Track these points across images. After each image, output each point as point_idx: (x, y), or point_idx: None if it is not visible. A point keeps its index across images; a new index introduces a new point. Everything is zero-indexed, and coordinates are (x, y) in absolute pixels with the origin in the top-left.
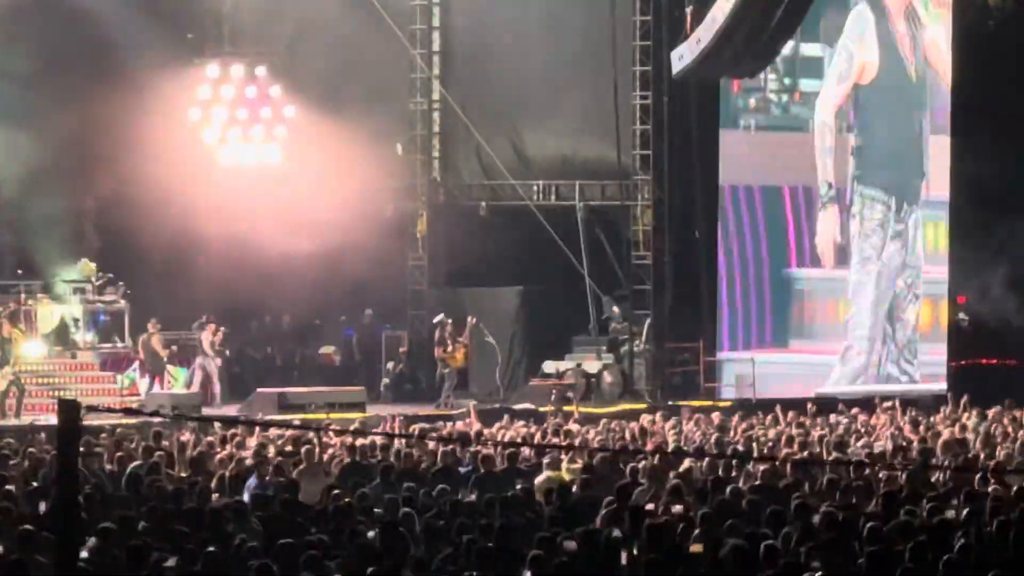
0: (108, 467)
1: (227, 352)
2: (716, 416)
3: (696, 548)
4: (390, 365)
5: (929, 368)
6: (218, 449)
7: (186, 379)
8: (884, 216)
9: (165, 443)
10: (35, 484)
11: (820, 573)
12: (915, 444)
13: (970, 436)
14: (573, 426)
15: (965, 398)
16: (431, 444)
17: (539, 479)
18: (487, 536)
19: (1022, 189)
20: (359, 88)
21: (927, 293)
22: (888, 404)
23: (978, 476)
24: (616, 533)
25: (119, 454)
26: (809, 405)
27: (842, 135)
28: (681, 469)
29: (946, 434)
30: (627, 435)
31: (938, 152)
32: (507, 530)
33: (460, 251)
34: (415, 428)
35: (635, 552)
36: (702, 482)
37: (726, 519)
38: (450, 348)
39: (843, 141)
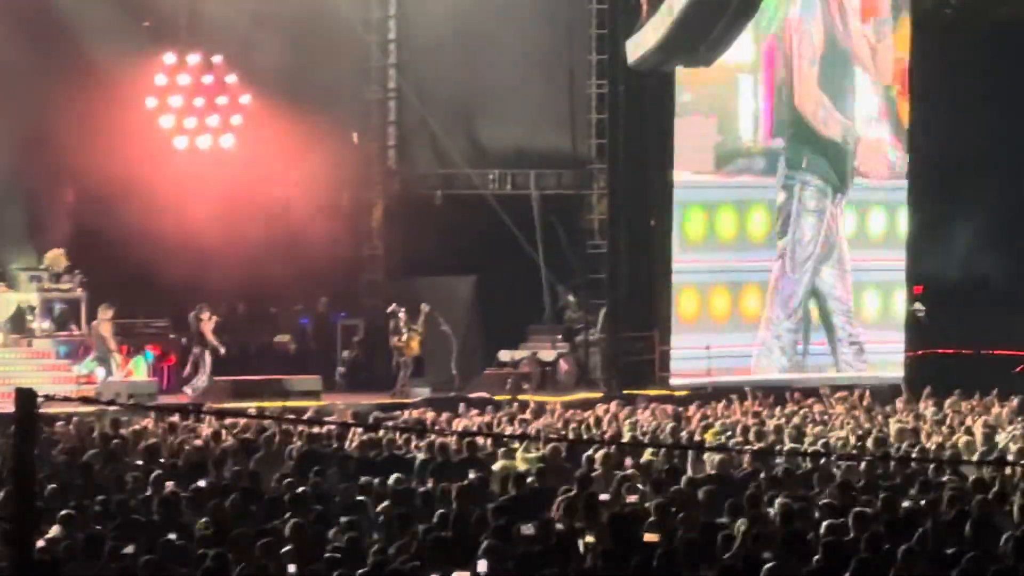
0: (63, 457)
1: (220, 349)
2: (669, 407)
3: (651, 537)
4: (345, 354)
5: (884, 357)
6: (174, 437)
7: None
8: (819, 201)
9: (123, 431)
10: None
11: (771, 564)
12: (872, 434)
13: (926, 426)
14: (528, 415)
15: (927, 389)
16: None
17: (494, 468)
18: (442, 525)
19: (981, 171)
20: (315, 77)
21: (881, 280)
22: (844, 394)
23: (934, 466)
24: (567, 524)
25: (75, 443)
26: (756, 393)
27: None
28: (638, 459)
29: (902, 424)
30: (582, 424)
31: (877, 141)
32: (462, 519)
33: (415, 240)
34: (371, 417)
35: (591, 542)
36: (658, 472)
37: (682, 509)
38: (404, 337)
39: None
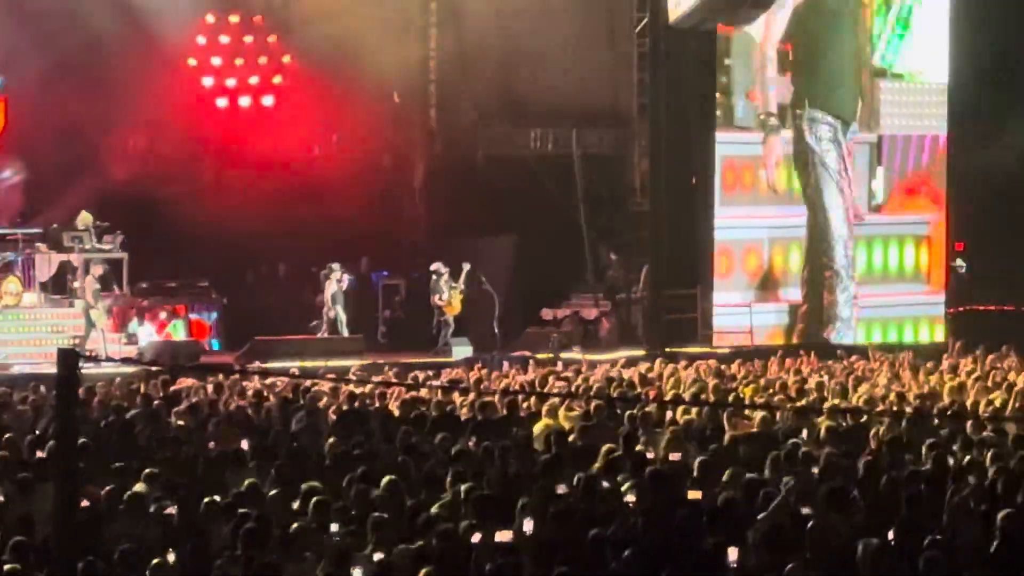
0: (106, 417)
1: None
2: (713, 363)
3: (695, 495)
4: (387, 313)
5: (926, 312)
6: (217, 397)
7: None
8: (833, 136)
9: (166, 391)
10: (37, 432)
11: (814, 522)
12: (913, 391)
13: (967, 383)
14: (570, 373)
15: (959, 344)
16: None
17: (537, 426)
18: (485, 484)
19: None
20: (356, 36)
21: (924, 234)
22: (886, 351)
23: (975, 423)
24: (610, 482)
25: (118, 403)
26: (803, 352)
27: (785, 59)
28: (680, 416)
29: (944, 381)
30: (624, 382)
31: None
32: (505, 478)
33: (457, 200)
34: (413, 375)
35: (635, 499)
36: (700, 429)
37: (724, 466)
38: (446, 295)
39: (786, 66)
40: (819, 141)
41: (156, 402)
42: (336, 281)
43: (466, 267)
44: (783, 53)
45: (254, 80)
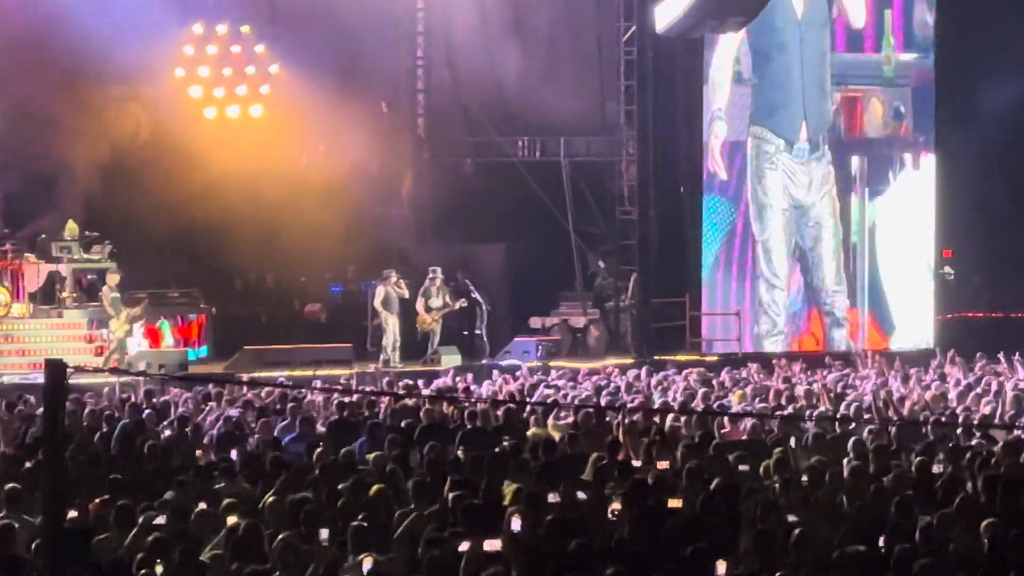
0: (93, 427)
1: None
2: (701, 371)
3: (675, 503)
4: (375, 322)
5: (914, 320)
6: (205, 407)
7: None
8: (773, 155)
9: (155, 400)
10: (27, 442)
11: (799, 530)
12: (903, 398)
13: (956, 390)
14: (559, 381)
15: (951, 352)
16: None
17: (527, 435)
18: (474, 493)
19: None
20: (344, 46)
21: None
22: (874, 358)
23: (963, 431)
24: (598, 491)
25: (106, 413)
26: (782, 360)
27: (739, 80)
28: (668, 424)
29: (932, 388)
30: (615, 390)
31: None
32: (494, 487)
33: (445, 208)
34: (401, 384)
35: (621, 507)
36: (688, 437)
37: (712, 474)
38: (435, 301)
39: (740, 86)
40: (764, 159)
41: (145, 412)
42: (393, 286)
43: (462, 303)
44: (735, 66)
45: (242, 90)
